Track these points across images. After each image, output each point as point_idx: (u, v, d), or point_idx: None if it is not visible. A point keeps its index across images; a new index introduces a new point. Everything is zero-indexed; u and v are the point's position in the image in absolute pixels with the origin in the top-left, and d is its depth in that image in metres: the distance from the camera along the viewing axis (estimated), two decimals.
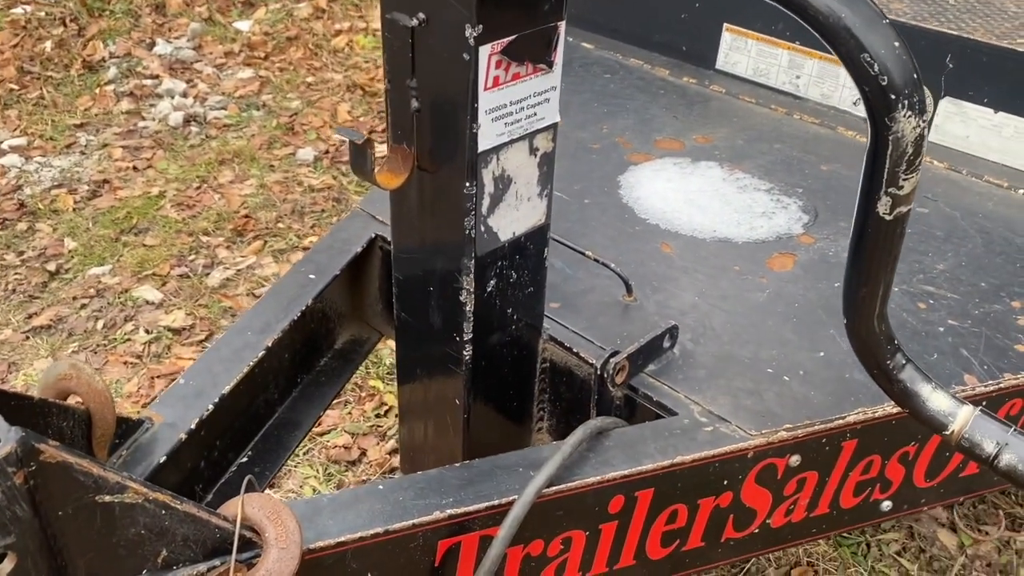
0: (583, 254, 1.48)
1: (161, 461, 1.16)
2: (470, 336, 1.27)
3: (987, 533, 2.38)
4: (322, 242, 1.63)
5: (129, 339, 2.93)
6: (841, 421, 1.27)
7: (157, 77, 4.62)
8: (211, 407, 1.24)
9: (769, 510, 1.31)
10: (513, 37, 1.08)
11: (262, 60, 4.85)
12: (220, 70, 4.75)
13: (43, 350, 2.87)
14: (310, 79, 4.70)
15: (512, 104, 1.13)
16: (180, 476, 1.24)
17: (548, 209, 1.28)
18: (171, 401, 1.25)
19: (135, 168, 3.88)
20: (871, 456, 1.33)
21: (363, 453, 2.51)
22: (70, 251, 3.32)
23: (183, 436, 1.20)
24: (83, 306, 3.06)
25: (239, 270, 3.26)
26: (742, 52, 2.31)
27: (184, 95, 4.45)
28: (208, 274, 3.23)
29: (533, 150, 1.20)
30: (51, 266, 3.23)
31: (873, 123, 0.87)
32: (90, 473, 0.89)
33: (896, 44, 0.83)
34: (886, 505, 1.40)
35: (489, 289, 1.25)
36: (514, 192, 1.21)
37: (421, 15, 1.07)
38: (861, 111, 2.23)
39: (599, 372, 1.29)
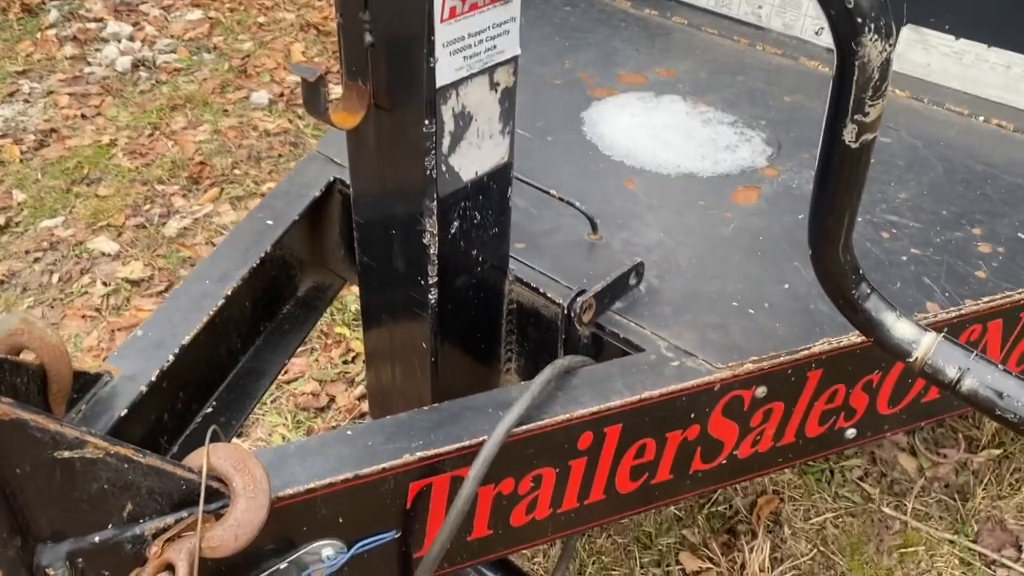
0: (548, 193, 1.46)
1: (122, 415, 1.13)
2: (435, 279, 1.25)
3: (946, 456, 2.44)
4: (279, 187, 1.59)
5: (86, 292, 2.86)
6: (806, 352, 1.27)
7: (101, 20, 4.45)
8: (171, 358, 1.22)
9: (736, 441, 1.32)
10: None
11: (211, 1, 4.68)
12: (167, 12, 4.59)
13: None
14: (261, 19, 4.56)
15: (470, 36, 1.10)
16: (143, 429, 1.21)
17: (511, 147, 1.25)
18: (130, 353, 1.21)
19: (83, 116, 3.76)
20: (836, 386, 1.34)
21: (331, 400, 2.50)
22: (19, 203, 3.22)
23: (143, 389, 1.17)
24: (36, 260, 2.99)
25: (196, 219, 3.19)
26: None
27: (131, 39, 4.30)
28: (164, 223, 3.16)
29: (494, 85, 1.17)
30: (0, 219, 3.14)
31: (839, 48, 0.85)
32: (47, 429, 0.87)
33: None
34: (850, 433, 1.42)
35: (453, 231, 1.23)
36: (475, 130, 1.18)
37: None
38: (823, 41, 2.21)
39: (566, 311, 1.29)
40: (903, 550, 2.22)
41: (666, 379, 1.21)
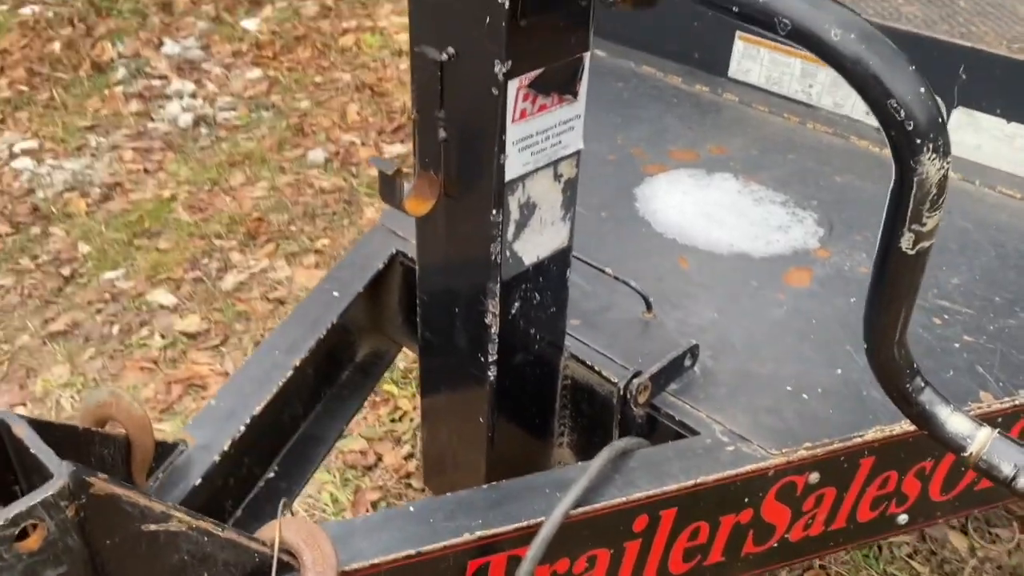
0: (603, 271, 1.51)
1: (196, 484, 1.18)
2: (495, 357, 1.29)
3: (998, 536, 2.41)
4: (345, 259, 1.65)
5: (145, 344, 2.96)
6: (860, 439, 1.29)
7: (166, 78, 4.64)
8: (242, 428, 1.27)
9: (788, 525, 1.34)
10: (540, 70, 1.10)
11: (270, 60, 4.86)
12: (228, 70, 4.77)
13: (60, 356, 2.90)
14: (318, 79, 4.71)
15: (538, 134, 1.15)
16: (211, 494, 1.27)
17: (571, 232, 1.30)
18: (204, 423, 1.27)
19: (146, 170, 3.90)
20: (888, 472, 1.35)
21: (379, 458, 2.54)
22: (84, 255, 3.35)
23: (216, 458, 1.22)
24: (98, 311, 3.09)
25: (252, 273, 3.29)
26: (754, 60, 2.33)
27: (193, 96, 4.47)
28: (221, 278, 3.26)
29: (557, 176, 1.23)
30: (66, 271, 3.26)
31: (899, 164, 0.89)
32: (137, 504, 0.92)
33: (922, 90, 0.85)
34: (902, 519, 1.43)
35: (513, 311, 1.28)
36: (538, 218, 1.23)
37: (451, 49, 1.09)
38: (873, 121, 2.25)
39: (622, 392, 1.32)
40: None
41: (721, 464, 1.24)
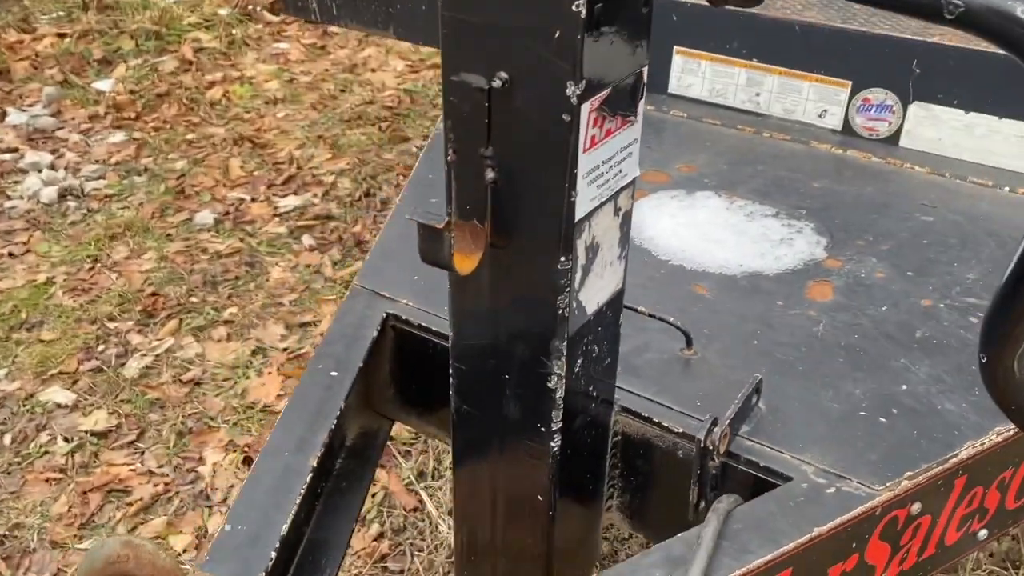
0: (636, 310, 1.36)
1: None
2: (559, 425, 1.12)
3: None
4: (331, 331, 1.44)
5: (46, 451, 2.58)
6: (955, 459, 1.20)
7: (16, 150, 4.19)
8: (273, 555, 1.04)
9: (887, 563, 1.22)
10: (609, 90, 0.95)
11: (133, 121, 4.48)
12: (87, 136, 4.36)
13: None
14: (190, 136, 4.38)
15: (604, 164, 1.00)
16: None
17: (625, 271, 1.15)
18: (225, 555, 1.04)
19: (11, 255, 3.48)
20: (976, 488, 1.27)
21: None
22: None
23: None
24: None
25: (158, 355, 2.95)
26: (695, 74, 2.26)
27: (52, 167, 4.05)
28: (123, 364, 2.91)
29: (617, 211, 1.08)
30: None
31: None
32: None
33: None
34: (982, 534, 1.35)
35: (577, 370, 1.11)
36: (600, 259, 1.07)
37: (503, 75, 0.93)
38: (828, 123, 2.23)
39: (703, 444, 1.17)
40: None
41: (829, 510, 1.11)
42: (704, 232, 1.69)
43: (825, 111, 2.13)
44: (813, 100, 2.13)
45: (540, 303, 1.04)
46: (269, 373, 2.86)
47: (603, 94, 0.94)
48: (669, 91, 2.29)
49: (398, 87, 4.83)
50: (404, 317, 1.47)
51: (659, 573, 1.02)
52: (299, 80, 4.93)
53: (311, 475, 1.17)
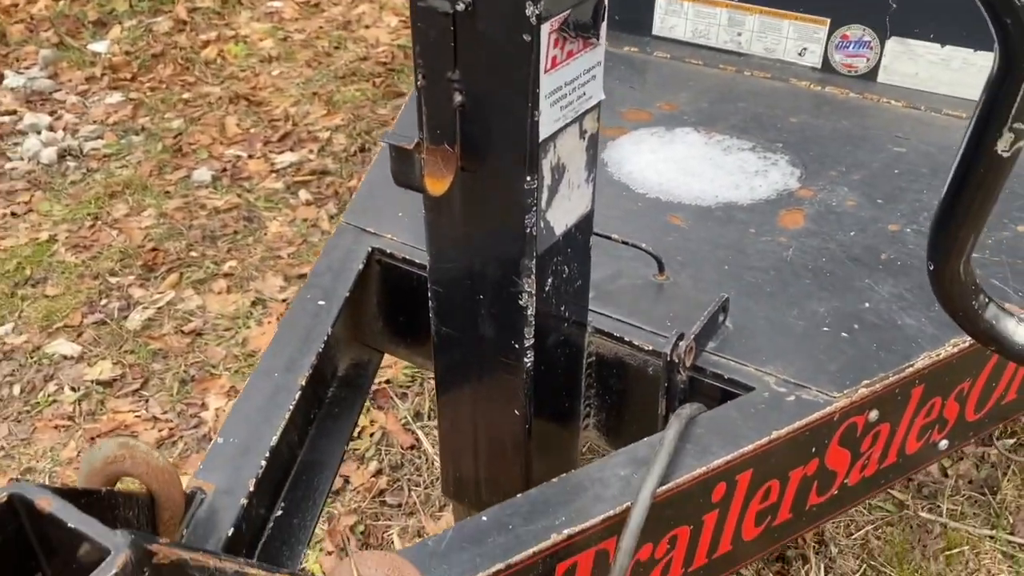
0: (609, 238, 1.41)
1: (230, 534, 1.02)
2: (531, 341, 1.18)
3: (964, 453, 2.47)
4: (319, 264, 1.49)
5: (54, 400, 2.66)
6: (911, 369, 1.25)
7: (15, 112, 4.23)
8: (263, 464, 1.11)
9: (848, 469, 1.29)
10: (568, 11, 1.00)
11: (130, 81, 4.51)
12: (85, 97, 4.40)
13: None
14: (186, 95, 4.40)
15: (566, 85, 1.05)
16: (239, 543, 1.10)
17: (593, 195, 1.20)
18: (217, 465, 1.10)
19: (13, 214, 3.53)
20: (934, 399, 1.32)
21: (346, 480, 2.36)
22: None
23: (243, 502, 1.06)
24: None
25: (159, 308, 3.02)
26: (678, 15, 2.29)
27: (51, 128, 4.09)
28: (126, 317, 2.97)
29: (582, 133, 1.12)
30: None
31: (1005, 55, 0.83)
32: (206, 566, 0.76)
33: None
34: (943, 444, 1.41)
35: (547, 289, 1.17)
36: (567, 180, 1.12)
37: None
38: (808, 61, 2.25)
39: (669, 358, 1.23)
40: (948, 552, 2.22)
41: (788, 416, 1.17)
42: (682, 166, 1.74)
43: (805, 49, 2.16)
44: (793, 39, 2.16)
45: (509, 224, 1.09)
46: (269, 323, 2.92)
47: (562, 15, 0.99)
48: (653, 33, 2.32)
49: (392, 43, 4.84)
50: (388, 251, 1.53)
51: (624, 472, 1.08)
52: (293, 38, 4.94)
53: (299, 393, 1.24)
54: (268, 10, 5.21)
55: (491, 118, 1.04)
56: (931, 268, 1.06)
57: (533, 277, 1.12)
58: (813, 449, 1.21)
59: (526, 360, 1.20)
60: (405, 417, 2.53)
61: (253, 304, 3.04)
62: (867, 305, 1.38)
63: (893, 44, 2.03)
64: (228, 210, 3.53)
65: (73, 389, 2.69)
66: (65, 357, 2.81)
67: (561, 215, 1.14)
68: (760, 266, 1.47)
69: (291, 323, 1.36)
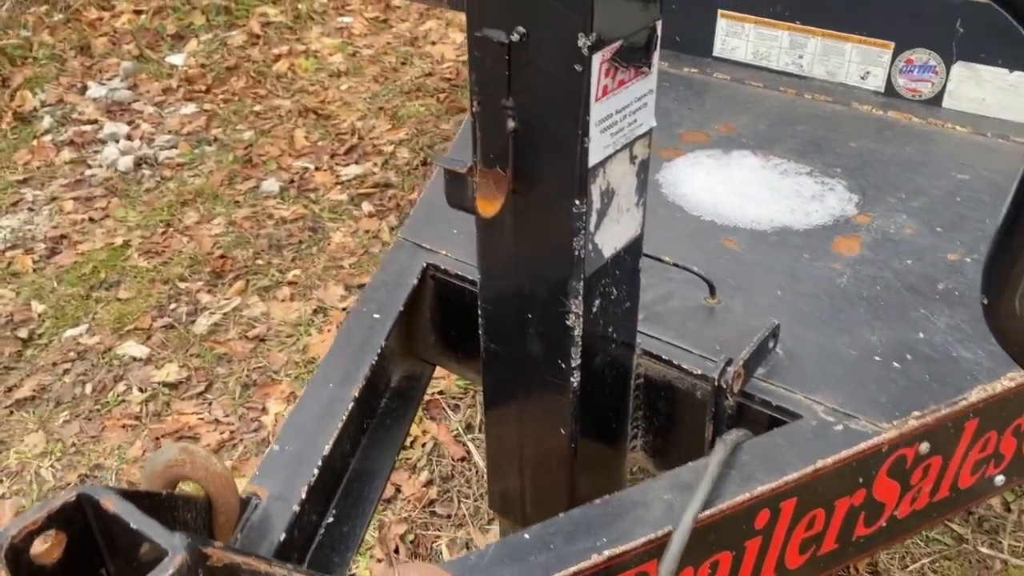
0: (660, 260, 1.42)
1: (282, 539, 1.06)
2: (578, 362, 1.20)
3: None
4: (376, 278, 1.54)
5: (123, 400, 2.76)
6: (965, 402, 1.24)
7: (96, 121, 4.41)
8: (316, 472, 1.15)
9: (897, 501, 1.27)
10: (620, 42, 1.02)
11: (204, 93, 4.67)
12: (161, 108, 4.57)
13: (31, 423, 2.69)
14: (258, 108, 4.54)
15: (617, 113, 1.07)
16: (291, 548, 1.14)
17: (643, 218, 1.22)
18: (272, 471, 1.15)
19: (91, 219, 3.69)
20: (989, 433, 1.30)
21: (398, 489, 2.41)
22: (40, 315, 3.13)
23: (296, 508, 1.10)
24: (65, 371, 2.88)
25: (225, 313, 3.12)
26: (739, 37, 2.28)
27: (129, 138, 4.26)
28: (193, 322, 3.08)
29: (632, 158, 1.14)
30: (22, 333, 3.04)
31: None
32: (258, 571, 0.80)
33: None
34: (999, 479, 1.38)
35: (595, 310, 1.18)
36: (616, 205, 1.14)
37: (520, 29, 1.00)
38: (871, 85, 2.23)
39: (717, 383, 1.24)
40: None
41: (834, 445, 1.17)
42: (737, 189, 1.74)
43: (868, 73, 2.14)
44: (856, 62, 2.14)
45: (558, 245, 1.12)
46: (329, 331, 2.99)
47: (615, 46, 1.01)
48: (713, 54, 2.32)
49: (457, 59, 4.92)
50: (443, 267, 1.56)
51: (667, 495, 1.09)
52: (362, 53, 5.05)
53: (352, 404, 1.28)
54: (338, 25, 5.35)
55: (542, 144, 1.06)
56: (985, 302, 1.05)
57: (580, 299, 1.14)
58: (860, 480, 1.20)
59: (572, 380, 1.21)
60: (457, 429, 2.56)
61: (315, 312, 3.11)
62: (921, 335, 1.36)
63: (959, 69, 2.00)
64: (294, 220, 3.63)
65: (141, 390, 2.79)
66: (134, 359, 2.92)
67: (610, 238, 1.16)
68: (813, 292, 1.46)
69: (347, 335, 1.40)
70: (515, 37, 1.00)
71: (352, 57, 5.01)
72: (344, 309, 3.11)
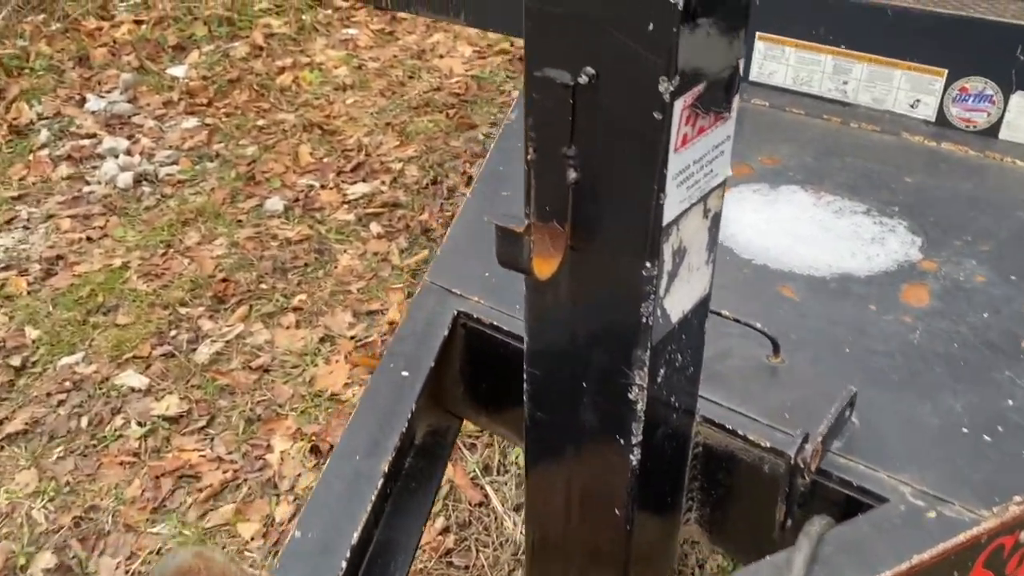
0: (719, 314, 1.29)
1: None
2: (639, 439, 1.06)
3: None
4: (402, 328, 1.40)
5: (121, 435, 2.62)
6: None
7: (94, 136, 4.28)
8: (344, 565, 1.01)
9: None
10: (703, 85, 0.89)
11: (205, 106, 4.54)
12: (161, 122, 4.43)
13: (23, 459, 2.55)
14: (261, 122, 4.41)
15: (694, 163, 0.94)
16: None
17: (712, 275, 1.09)
18: (294, 563, 1.01)
19: (89, 239, 3.55)
20: None
21: None
22: (34, 341, 2.99)
23: None
24: (60, 403, 2.74)
25: (228, 341, 2.98)
26: (778, 61, 2.16)
27: (128, 152, 4.13)
28: (195, 350, 2.94)
29: (706, 212, 1.01)
30: (15, 360, 2.89)
31: None
32: None
33: None
34: None
35: (659, 380, 1.05)
36: (687, 264, 1.01)
37: (589, 70, 0.87)
38: (920, 114, 2.11)
39: (793, 460, 1.10)
40: None
41: (930, 536, 1.04)
42: (790, 229, 1.61)
43: (918, 101, 2.01)
44: (905, 89, 2.02)
45: (622, 310, 0.98)
46: (336, 361, 2.86)
47: (697, 90, 0.88)
48: (750, 79, 2.20)
49: (466, 73, 4.80)
50: (475, 316, 1.43)
51: None
52: (368, 66, 4.93)
53: (382, 480, 1.15)
54: (343, 37, 5.22)
55: (609, 197, 0.93)
56: None
57: (646, 370, 1.01)
58: (955, 573, 1.07)
59: (632, 458, 1.08)
60: (474, 471, 2.43)
61: (321, 340, 2.98)
62: (1010, 403, 1.23)
63: (1019, 99, 1.88)
64: (299, 241, 3.49)
65: (140, 424, 2.65)
66: (133, 389, 2.78)
67: (678, 301, 1.03)
68: (885, 350, 1.33)
69: (373, 397, 1.27)
70: (582, 79, 0.88)
71: (358, 70, 4.89)
72: (352, 337, 2.98)
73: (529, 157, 0.97)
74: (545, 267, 0.98)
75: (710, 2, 0.84)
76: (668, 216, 0.93)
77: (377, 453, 1.17)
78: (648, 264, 0.94)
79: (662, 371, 1.05)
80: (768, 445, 1.17)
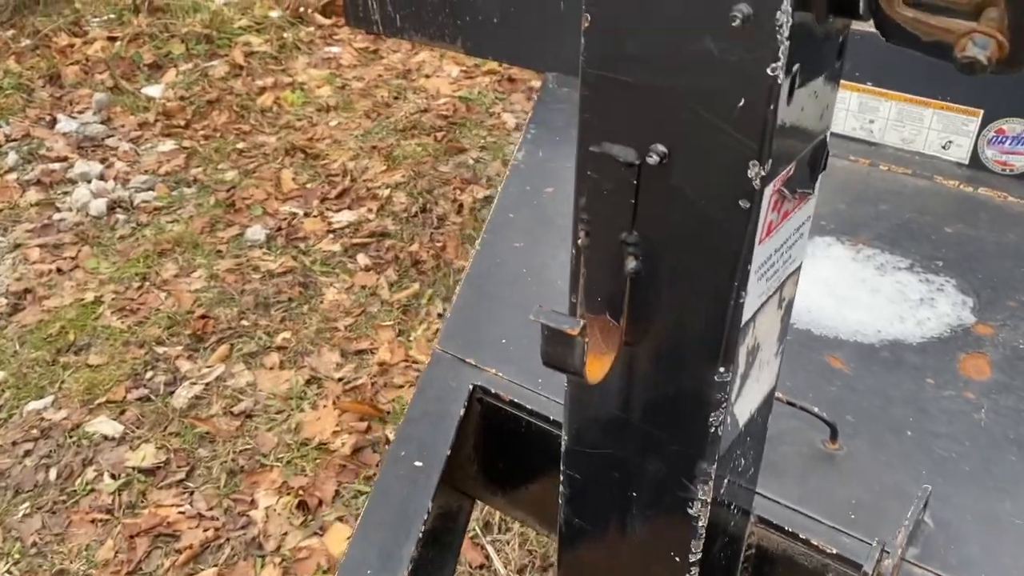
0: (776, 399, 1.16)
1: None
2: (699, 556, 0.92)
3: None
4: (414, 406, 1.26)
5: (93, 489, 2.45)
6: None
7: (66, 159, 4.09)
8: None
9: None
10: (792, 165, 0.76)
11: (183, 128, 4.36)
12: (137, 144, 4.25)
13: None
14: (241, 145, 4.24)
15: (775, 252, 0.81)
16: None
17: (780, 367, 0.96)
18: None
19: (59, 270, 3.36)
20: None
21: None
22: None
23: None
24: (27, 453, 2.56)
25: (207, 384, 2.81)
26: None
27: (102, 178, 3.94)
28: (172, 393, 2.77)
29: (781, 302, 0.88)
30: None
31: None
32: None
33: None
34: None
35: (722, 491, 0.92)
36: (759, 361, 0.88)
37: (661, 148, 0.73)
38: (952, 155, 2.00)
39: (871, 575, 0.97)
40: None
41: None
42: (831, 289, 1.48)
43: (950, 142, 1.90)
44: (937, 130, 1.90)
45: (685, 419, 0.85)
46: (324, 406, 2.70)
47: (787, 172, 0.75)
48: None
49: (453, 94, 4.66)
50: (493, 391, 1.29)
51: None
52: (351, 86, 4.78)
53: None
54: (326, 56, 5.07)
55: (674, 291, 0.80)
56: None
57: (711, 484, 0.87)
58: None
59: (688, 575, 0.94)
60: (474, 529, 2.28)
61: (307, 382, 2.82)
62: None
63: None
64: (282, 274, 3.33)
65: (113, 476, 2.47)
66: (106, 438, 2.60)
67: (747, 403, 0.89)
68: (950, 433, 1.21)
69: (384, 493, 1.12)
70: (651, 158, 0.74)
71: (341, 90, 4.73)
72: (340, 380, 2.82)
73: (580, 242, 0.83)
74: (597, 367, 0.84)
75: (811, 69, 0.71)
76: (747, 314, 0.79)
77: (390, 566, 1.02)
78: (721, 369, 0.80)
79: (725, 481, 0.92)
80: (835, 552, 1.03)
